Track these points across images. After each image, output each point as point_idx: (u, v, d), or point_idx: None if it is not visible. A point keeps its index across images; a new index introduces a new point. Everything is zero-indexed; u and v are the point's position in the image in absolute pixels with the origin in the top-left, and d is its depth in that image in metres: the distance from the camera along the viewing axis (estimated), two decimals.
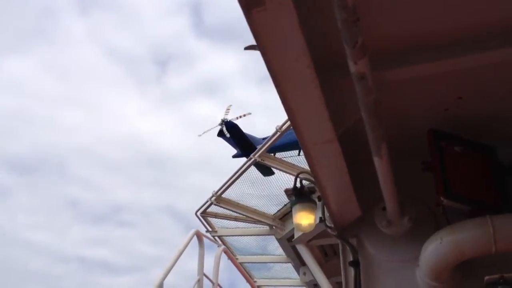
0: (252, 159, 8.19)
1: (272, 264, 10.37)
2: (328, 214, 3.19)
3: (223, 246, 7.44)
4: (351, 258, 3.17)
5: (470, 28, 2.42)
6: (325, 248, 9.03)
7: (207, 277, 6.15)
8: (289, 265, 10.04)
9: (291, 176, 8.44)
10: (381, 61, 2.47)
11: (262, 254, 10.14)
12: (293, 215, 3.42)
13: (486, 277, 2.61)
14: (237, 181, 8.80)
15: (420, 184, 2.97)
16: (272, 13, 1.92)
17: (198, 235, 6.10)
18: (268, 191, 8.88)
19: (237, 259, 9.28)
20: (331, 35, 2.35)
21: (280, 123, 7.46)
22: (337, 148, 2.65)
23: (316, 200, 3.36)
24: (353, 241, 3.22)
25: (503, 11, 2.34)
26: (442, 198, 2.75)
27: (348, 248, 3.20)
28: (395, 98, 2.77)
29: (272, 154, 8.40)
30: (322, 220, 3.26)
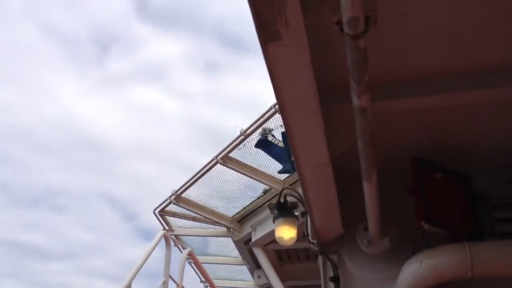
0: (214, 161, 8.24)
1: (226, 265, 10.47)
2: (311, 231, 3.32)
3: (188, 249, 7.50)
4: (331, 274, 3.30)
5: (455, 67, 2.61)
6: (281, 253, 9.21)
7: (172, 279, 6.22)
8: (244, 268, 10.18)
9: (251, 180, 8.58)
10: (374, 93, 2.62)
11: (217, 255, 10.22)
12: (276, 229, 3.54)
13: None
14: (198, 181, 8.83)
15: (401, 208, 3.13)
16: (287, 48, 2.02)
17: (166, 237, 6.17)
18: (227, 193, 8.97)
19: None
20: (331, 66, 2.48)
21: (245, 127, 7.51)
22: (329, 171, 2.78)
23: (299, 215, 3.48)
24: (334, 258, 3.35)
25: (489, 54, 2.53)
26: (422, 223, 2.91)
27: (328, 264, 3.33)
28: (384, 126, 2.92)
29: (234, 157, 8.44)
30: (305, 235, 3.38)
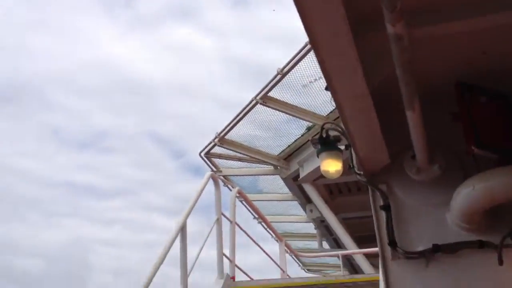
0: (254, 101, 8.19)
1: (277, 202, 10.60)
2: (356, 163, 3.27)
3: (237, 187, 7.64)
4: (381, 203, 3.27)
5: None
6: (331, 187, 9.23)
7: (225, 216, 6.38)
8: (295, 203, 10.29)
9: (293, 117, 8.47)
10: (412, 19, 2.49)
11: (268, 193, 10.35)
12: (320, 163, 3.51)
13: None
14: (240, 122, 8.82)
15: (449, 134, 3.04)
16: None
17: (214, 178, 6.29)
18: (270, 133, 8.97)
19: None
20: None
21: (281, 66, 7.34)
22: (369, 102, 2.69)
23: (343, 148, 3.42)
24: (383, 187, 3.30)
25: None
26: (472, 147, 2.82)
27: (378, 193, 3.29)
28: (425, 53, 2.80)
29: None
30: (351, 167, 3.33)
